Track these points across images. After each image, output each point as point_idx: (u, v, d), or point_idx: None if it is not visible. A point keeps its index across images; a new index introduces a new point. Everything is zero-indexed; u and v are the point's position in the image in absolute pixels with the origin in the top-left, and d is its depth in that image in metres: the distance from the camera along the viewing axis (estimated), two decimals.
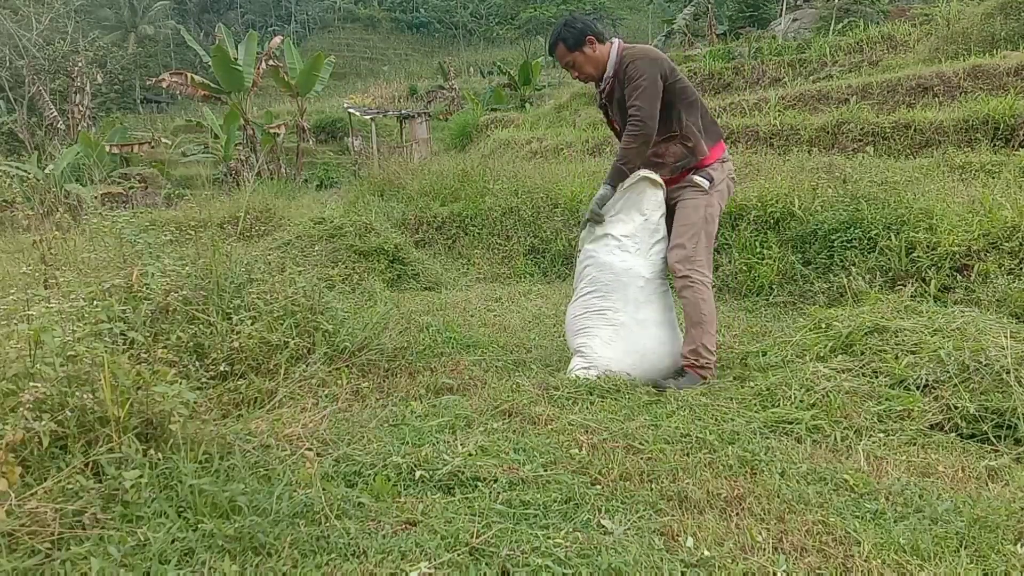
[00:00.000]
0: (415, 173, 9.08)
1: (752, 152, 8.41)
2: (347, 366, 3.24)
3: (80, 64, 18.81)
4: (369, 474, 2.24)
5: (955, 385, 2.72)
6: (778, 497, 2.13)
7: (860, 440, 2.54)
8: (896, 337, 3.09)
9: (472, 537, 1.87)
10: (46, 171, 12.06)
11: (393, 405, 2.93)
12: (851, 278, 4.45)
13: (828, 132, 8.45)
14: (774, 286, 5.01)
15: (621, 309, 3.31)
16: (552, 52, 3.42)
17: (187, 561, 1.72)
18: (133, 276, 3.02)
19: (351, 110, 24.18)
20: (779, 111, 10.02)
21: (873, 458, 2.43)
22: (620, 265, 3.32)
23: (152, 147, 18.56)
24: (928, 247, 4.44)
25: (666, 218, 3.45)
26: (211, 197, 9.58)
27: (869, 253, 4.70)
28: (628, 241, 3.35)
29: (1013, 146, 7.06)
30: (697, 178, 3.32)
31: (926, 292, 4.10)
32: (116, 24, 43.90)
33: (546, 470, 2.28)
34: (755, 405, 2.87)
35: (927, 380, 2.79)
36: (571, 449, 2.45)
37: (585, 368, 3.26)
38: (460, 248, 6.99)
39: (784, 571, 1.79)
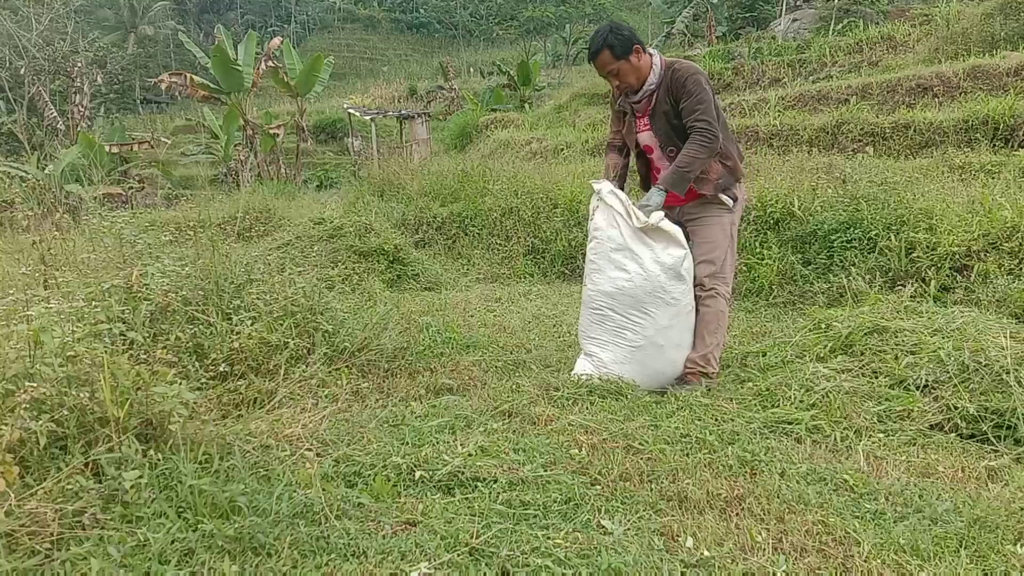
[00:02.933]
0: (415, 173, 9.08)
1: (752, 152, 8.41)
2: (347, 366, 3.24)
3: (80, 64, 18.79)
4: (369, 474, 2.24)
5: (955, 385, 2.72)
6: (778, 497, 2.13)
7: (860, 440, 2.54)
8: (896, 337, 3.09)
9: (472, 537, 1.87)
10: (46, 171, 12.06)
11: (393, 405, 2.93)
12: (851, 278, 4.45)
13: (828, 132, 8.46)
14: (774, 286, 5.01)
15: (641, 332, 3.17)
16: (594, 58, 3.26)
17: (187, 561, 1.72)
18: (133, 276, 3.02)
19: (351, 110, 24.16)
20: (779, 111, 10.03)
21: (873, 458, 2.43)
22: (648, 287, 3.15)
23: (152, 147, 18.54)
24: (928, 247, 4.44)
25: (685, 230, 3.35)
26: (210, 198, 9.58)
27: (869, 253, 4.70)
28: (655, 263, 3.18)
29: (1013, 146, 7.06)
30: (724, 196, 3.30)
31: (926, 292, 4.10)
32: (116, 25, 43.86)
33: (546, 470, 2.28)
34: (755, 405, 2.87)
35: (927, 380, 2.79)
36: (571, 449, 2.45)
37: (589, 375, 3.23)
38: (460, 248, 6.99)
39: (784, 571, 1.79)
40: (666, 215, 3.23)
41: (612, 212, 3.24)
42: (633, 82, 3.29)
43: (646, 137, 3.43)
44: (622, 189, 3.49)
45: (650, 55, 3.29)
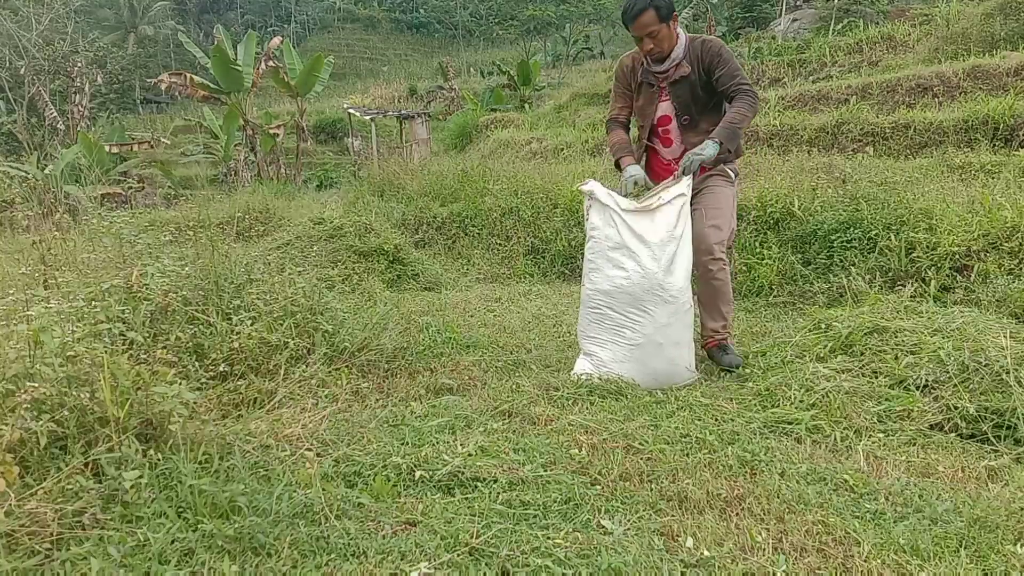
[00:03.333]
0: (415, 173, 9.08)
1: (752, 152, 8.41)
2: (347, 366, 3.24)
3: (80, 64, 18.79)
4: (369, 474, 2.24)
5: (955, 385, 2.72)
6: (778, 497, 2.13)
7: (860, 440, 2.54)
8: (896, 337, 3.09)
9: (472, 537, 1.87)
10: (46, 171, 12.06)
11: (393, 405, 2.93)
12: (851, 278, 4.45)
13: (828, 132, 8.46)
14: (774, 286, 5.01)
15: (640, 330, 3.17)
16: (636, 18, 3.22)
17: (187, 561, 1.72)
18: (133, 276, 3.02)
19: (351, 110, 24.15)
20: (779, 111, 10.03)
21: (873, 458, 2.43)
22: (646, 285, 3.14)
23: (152, 147, 18.55)
24: (928, 247, 4.44)
25: (691, 205, 3.46)
26: (210, 198, 9.58)
27: (869, 253, 4.70)
28: (652, 261, 3.16)
29: (1013, 146, 7.06)
30: (727, 167, 3.47)
31: (926, 292, 4.10)
32: (116, 25, 43.85)
33: (546, 470, 2.28)
34: (755, 405, 2.87)
35: (927, 380, 2.79)
36: (571, 449, 2.45)
37: (589, 374, 3.23)
38: (460, 248, 6.98)
39: (784, 571, 1.79)
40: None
41: (608, 211, 3.24)
42: (665, 48, 3.34)
43: (665, 107, 3.49)
44: (639, 161, 3.58)
45: (677, 28, 3.39)
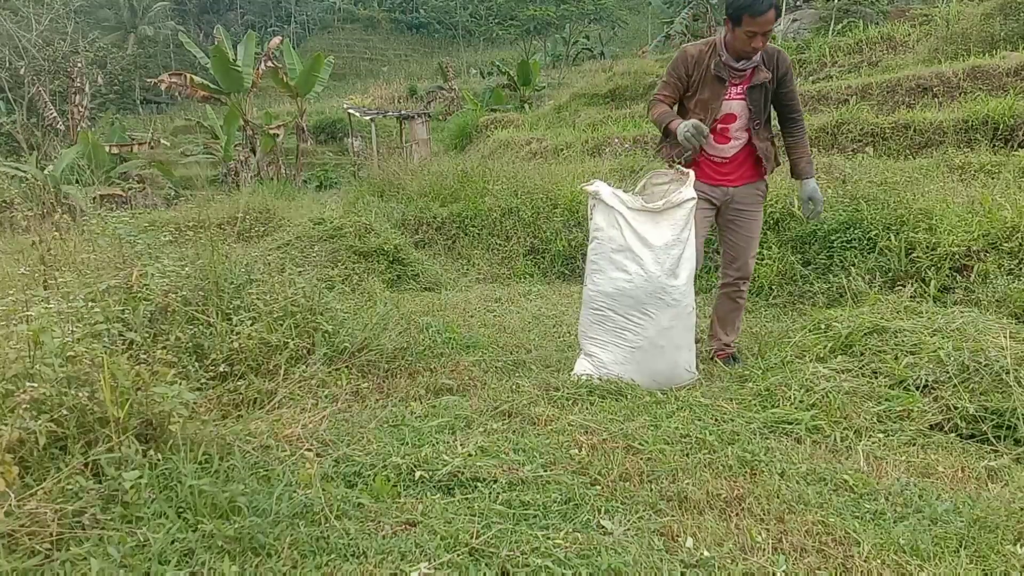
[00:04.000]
0: (415, 174, 9.08)
1: None
2: (347, 367, 3.24)
3: (80, 65, 18.79)
4: (369, 475, 2.24)
5: (955, 385, 2.72)
6: (778, 497, 2.13)
7: (860, 440, 2.54)
8: (896, 337, 3.09)
9: (472, 537, 1.87)
10: (45, 172, 12.05)
11: (393, 406, 2.93)
12: (851, 279, 4.45)
13: (828, 132, 8.45)
14: (774, 287, 5.01)
15: (641, 333, 3.16)
16: (765, 11, 3.13)
17: (187, 562, 1.72)
18: (132, 277, 3.02)
19: (351, 111, 24.15)
20: None
21: (873, 458, 2.43)
22: (649, 288, 3.14)
23: (152, 148, 18.54)
24: (928, 247, 4.44)
25: (725, 216, 3.57)
26: (210, 198, 9.57)
27: (869, 253, 4.70)
28: (656, 264, 3.15)
29: (1013, 146, 7.06)
30: (764, 187, 3.60)
31: (926, 293, 4.10)
32: (116, 25, 43.85)
33: (546, 471, 2.28)
34: (755, 405, 2.87)
35: (927, 380, 2.79)
36: (571, 450, 2.45)
37: (589, 375, 3.22)
38: (460, 249, 6.98)
39: (784, 571, 1.79)
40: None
41: (613, 212, 3.23)
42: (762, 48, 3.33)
43: (736, 106, 3.39)
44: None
45: None
